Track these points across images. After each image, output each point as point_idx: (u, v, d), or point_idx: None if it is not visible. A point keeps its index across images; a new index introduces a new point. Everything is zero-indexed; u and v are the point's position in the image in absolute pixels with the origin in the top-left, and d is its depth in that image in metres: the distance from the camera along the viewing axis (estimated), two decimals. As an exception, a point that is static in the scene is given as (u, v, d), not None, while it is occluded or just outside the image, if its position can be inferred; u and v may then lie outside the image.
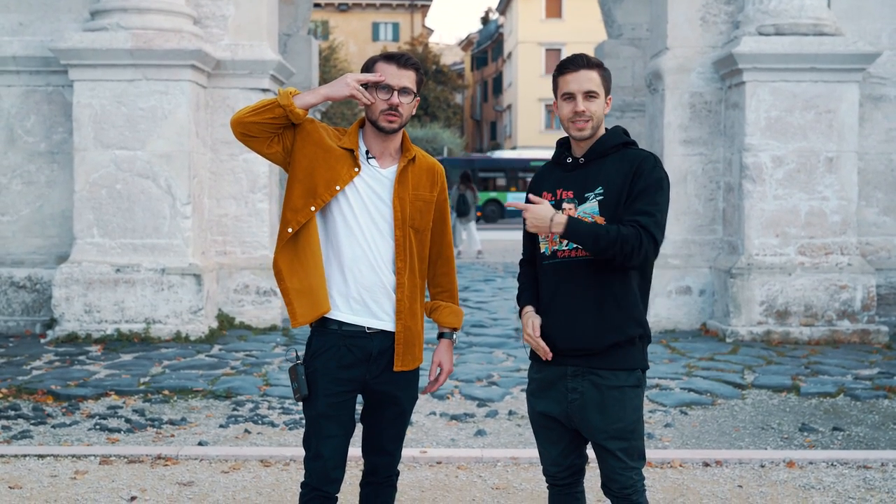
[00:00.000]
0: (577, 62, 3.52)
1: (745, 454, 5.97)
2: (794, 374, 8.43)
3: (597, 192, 3.47)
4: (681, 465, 5.77)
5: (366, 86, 3.51)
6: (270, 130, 3.50)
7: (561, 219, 3.36)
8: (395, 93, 3.50)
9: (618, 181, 3.46)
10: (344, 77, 3.48)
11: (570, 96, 3.49)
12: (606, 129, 3.59)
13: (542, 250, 3.58)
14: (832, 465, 5.82)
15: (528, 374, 3.70)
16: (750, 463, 5.83)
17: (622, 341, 3.46)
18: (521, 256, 3.82)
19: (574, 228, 3.35)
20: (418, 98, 3.60)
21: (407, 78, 3.53)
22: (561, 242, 3.49)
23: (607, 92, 3.54)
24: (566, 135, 3.61)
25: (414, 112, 3.64)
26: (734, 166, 10.63)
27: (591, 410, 3.48)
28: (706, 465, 5.80)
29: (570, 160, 3.59)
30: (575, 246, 3.45)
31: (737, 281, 10.19)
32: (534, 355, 3.62)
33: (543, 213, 3.38)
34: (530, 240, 3.69)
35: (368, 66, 3.59)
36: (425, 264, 3.70)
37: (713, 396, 7.66)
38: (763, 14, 10.46)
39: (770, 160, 10.31)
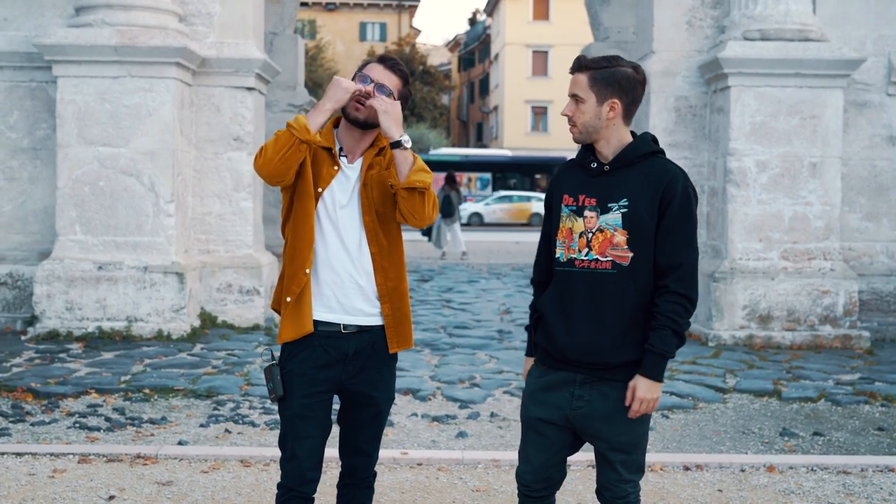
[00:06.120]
0: (573, 64, 3.40)
1: (726, 458, 5.98)
2: (775, 378, 8.46)
3: (621, 203, 3.33)
4: (661, 469, 5.77)
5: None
6: (297, 164, 3.47)
7: (654, 387, 3.32)
8: (373, 85, 3.52)
9: (645, 196, 3.32)
10: (337, 83, 3.46)
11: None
12: (635, 133, 3.47)
13: (557, 255, 3.43)
14: (812, 469, 5.83)
15: (528, 376, 3.58)
16: (730, 467, 5.84)
17: (639, 359, 3.35)
18: (532, 269, 3.64)
19: (659, 372, 3.33)
20: (398, 103, 3.54)
21: (387, 80, 3.56)
22: (580, 251, 3.36)
23: (606, 96, 3.37)
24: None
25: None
26: (718, 170, 10.65)
27: (597, 420, 3.39)
28: (686, 469, 5.80)
29: (594, 165, 3.43)
30: (595, 257, 3.33)
31: (720, 285, 10.21)
32: (542, 359, 3.49)
33: (653, 396, 3.32)
34: (547, 252, 3.52)
35: (361, 67, 3.64)
36: (401, 243, 3.66)
37: (695, 400, 7.67)
38: (749, 19, 10.49)
39: (754, 165, 10.33)
